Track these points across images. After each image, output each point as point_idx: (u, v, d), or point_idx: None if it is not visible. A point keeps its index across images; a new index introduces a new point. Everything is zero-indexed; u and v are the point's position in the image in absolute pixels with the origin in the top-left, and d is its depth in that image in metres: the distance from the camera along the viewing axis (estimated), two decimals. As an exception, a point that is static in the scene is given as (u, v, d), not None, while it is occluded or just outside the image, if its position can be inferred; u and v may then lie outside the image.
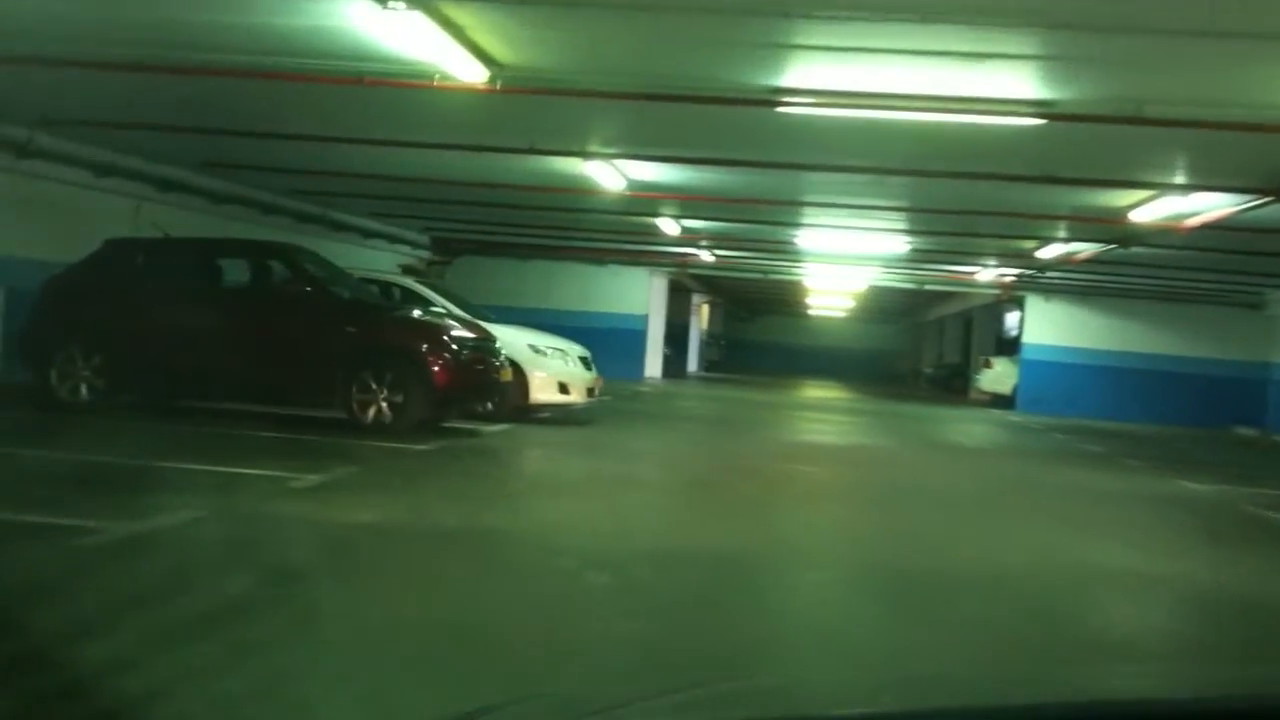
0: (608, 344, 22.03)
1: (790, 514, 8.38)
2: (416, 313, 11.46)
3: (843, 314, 42.56)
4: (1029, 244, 16.98)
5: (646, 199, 14.27)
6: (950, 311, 33.20)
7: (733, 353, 42.63)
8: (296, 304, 10.74)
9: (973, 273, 22.84)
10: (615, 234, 19.62)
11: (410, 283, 13.74)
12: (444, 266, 23.48)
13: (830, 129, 9.12)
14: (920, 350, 41.33)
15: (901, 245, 18.54)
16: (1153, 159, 9.76)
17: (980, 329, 30.89)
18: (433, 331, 10.87)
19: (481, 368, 11.10)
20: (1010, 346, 28.94)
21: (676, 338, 30.49)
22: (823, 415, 20.52)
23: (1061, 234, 15.74)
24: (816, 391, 29.52)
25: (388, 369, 10.49)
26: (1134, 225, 13.13)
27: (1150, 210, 12.22)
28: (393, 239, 20.73)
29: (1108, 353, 24.18)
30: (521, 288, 23.17)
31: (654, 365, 26.68)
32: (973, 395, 28.88)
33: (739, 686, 2.15)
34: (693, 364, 34.06)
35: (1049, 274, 20.93)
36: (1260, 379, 23.17)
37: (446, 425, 11.61)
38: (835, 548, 6.90)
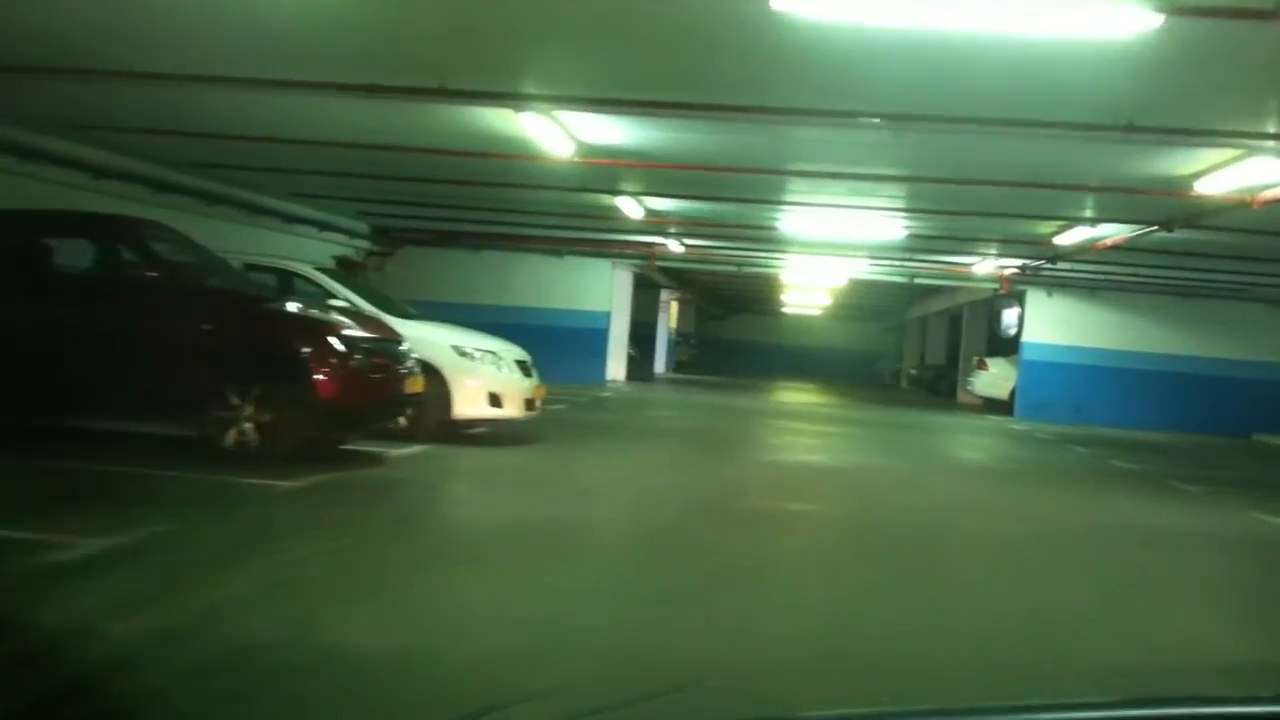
0: (566, 344, 19.88)
1: (799, 589, 5.88)
2: (294, 306, 8.80)
3: (820, 312, 40.69)
4: (1050, 227, 14.53)
5: (603, 168, 11.69)
6: (935, 309, 31.07)
7: (704, 353, 40.91)
8: (138, 294, 8.26)
9: (970, 264, 20.51)
10: (571, 218, 17.06)
11: (309, 270, 11.10)
12: (384, 258, 21.06)
13: (844, 48, 6.55)
14: (902, 350, 39.36)
15: (898, 230, 16.14)
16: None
17: (970, 327, 28.60)
18: (315, 330, 8.29)
19: (380, 376, 8.56)
20: (1003, 346, 26.72)
21: (642, 337, 28.37)
22: (806, 425, 18.04)
23: (1091, 214, 13.32)
24: (794, 395, 27.13)
25: (254, 379, 8.03)
26: (1196, 199, 10.73)
27: (1225, 179, 9.84)
28: (323, 226, 18.11)
29: (1119, 353, 21.95)
30: (471, 282, 21.13)
31: (617, 367, 24.43)
32: (962, 399, 26.75)
33: (738, 687, 2.10)
34: (660, 365, 31.93)
35: (1058, 265, 18.45)
36: (1286, 382, 21.14)
37: (345, 448, 9.19)
38: (878, 661, 4.39)
